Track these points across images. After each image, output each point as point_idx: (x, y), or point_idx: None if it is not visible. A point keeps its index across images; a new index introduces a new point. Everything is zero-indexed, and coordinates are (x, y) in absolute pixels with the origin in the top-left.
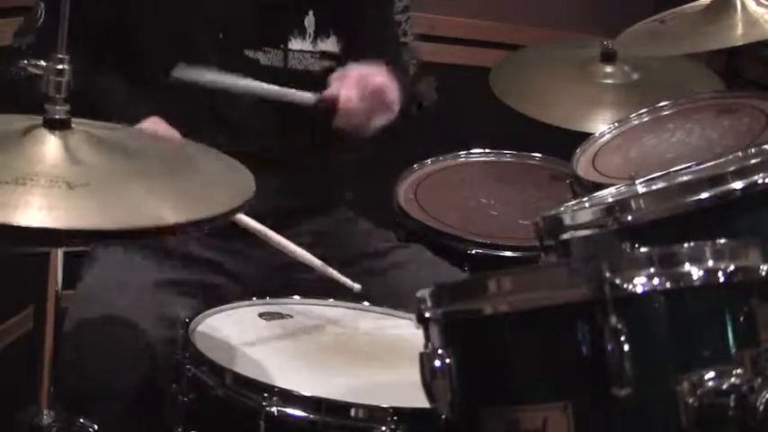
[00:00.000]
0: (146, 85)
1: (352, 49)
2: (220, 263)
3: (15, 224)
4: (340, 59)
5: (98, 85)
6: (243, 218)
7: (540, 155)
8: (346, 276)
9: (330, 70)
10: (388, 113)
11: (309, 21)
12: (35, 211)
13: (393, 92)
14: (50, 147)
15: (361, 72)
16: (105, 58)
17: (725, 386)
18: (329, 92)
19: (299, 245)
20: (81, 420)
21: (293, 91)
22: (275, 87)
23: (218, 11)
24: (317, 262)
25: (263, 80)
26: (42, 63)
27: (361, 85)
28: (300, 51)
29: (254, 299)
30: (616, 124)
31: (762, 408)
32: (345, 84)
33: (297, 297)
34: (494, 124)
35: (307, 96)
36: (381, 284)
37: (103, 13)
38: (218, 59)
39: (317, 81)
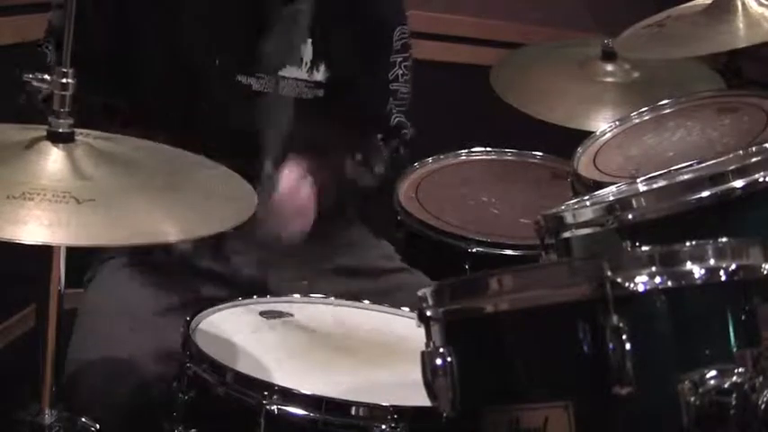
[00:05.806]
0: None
1: (339, 81)
2: (217, 272)
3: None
4: (327, 89)
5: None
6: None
7: (540, 153)
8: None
9: (320, 99)
10: (303, 224)
11: (306, 50)
12: (44, 227)
13: (310, 213)
14: (55, 160)
15: (290, 189)
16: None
17: (726, 385)
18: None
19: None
20: (83, 419)
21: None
22: None
23: (217, 36)
24: None
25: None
26: (46, 77)
27: (287, 203)
28: (295, 79)
29: (255, 297)
30: (617, 123)
31: (763, 407)
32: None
33: (297, 296)
34: (495, 123)
35: None
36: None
37: (104, 41)
38: (212, 83)
39: (306, 108)
